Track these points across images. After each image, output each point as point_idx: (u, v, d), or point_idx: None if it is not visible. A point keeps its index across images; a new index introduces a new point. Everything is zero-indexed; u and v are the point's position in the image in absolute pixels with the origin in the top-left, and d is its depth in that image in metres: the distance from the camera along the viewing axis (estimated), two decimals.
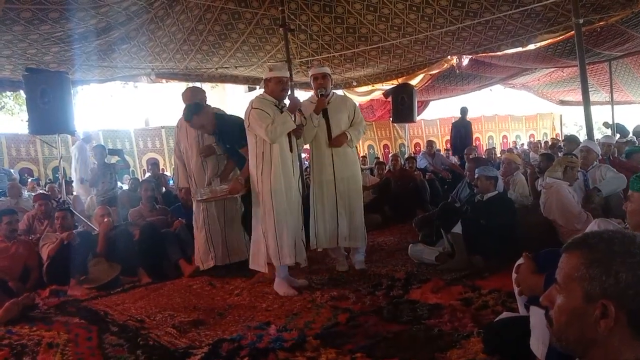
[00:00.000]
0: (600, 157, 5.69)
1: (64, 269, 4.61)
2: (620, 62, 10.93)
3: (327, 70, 4.68)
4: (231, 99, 17.67)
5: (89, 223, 6.10)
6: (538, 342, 1.70)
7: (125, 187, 8.85)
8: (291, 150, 4.17)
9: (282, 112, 4.11)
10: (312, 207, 4.59)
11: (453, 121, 11.37)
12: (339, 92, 10.08)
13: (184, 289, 4.37)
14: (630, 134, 11.47)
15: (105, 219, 5.02)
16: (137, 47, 7.64)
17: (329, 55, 8.74)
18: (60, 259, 4.63)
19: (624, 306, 0.97)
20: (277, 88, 4.15)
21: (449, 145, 15.77)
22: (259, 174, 4.12)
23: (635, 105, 14.97)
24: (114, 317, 3.70)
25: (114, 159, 8.50)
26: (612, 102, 11.71)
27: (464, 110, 10.65)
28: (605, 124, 11.69)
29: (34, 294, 4.30)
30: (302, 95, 11.50)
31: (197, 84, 11.77)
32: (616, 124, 11.23)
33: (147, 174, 9.33)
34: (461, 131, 10.57)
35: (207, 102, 4.86)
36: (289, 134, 4.14)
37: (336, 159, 4.51)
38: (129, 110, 17.03)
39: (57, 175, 9.26)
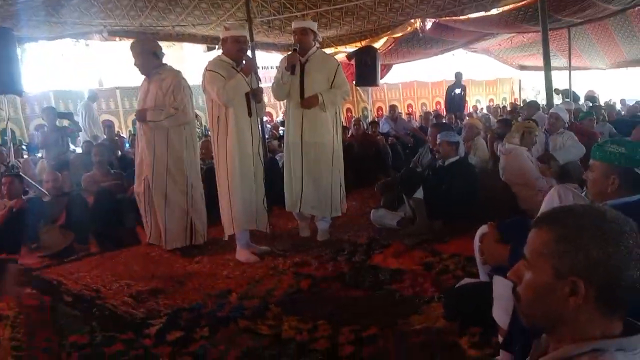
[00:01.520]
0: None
1: (14, 237, 4.41)
2: (579, 29, 11.07)
3: (308, 24, 4.33)
4: (190, 59, 17.11)
5: (40, 188, 5.83)
6: (501, 311, 1.71)
7: (80, 150, 8.52)
8: (250, 115, 4.01)
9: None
10: (284, 168, 4.47)
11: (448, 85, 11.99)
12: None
13: (141, 257, 4.25)
14: (582, 100, 11.76)
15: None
16: (87, 3, 7.19)
17: (290, 15, 8.48)
18: (9, 226, 4.41)
19: (593, 283, 0.95)
20: (233, 48, 3.96)
21: (410, 110, 15.87)
22: (214, 139, 4.02)
23: (591, 71, 15.30)
24: (67, 286, 3.57)
25: (66, 122, 8.14)
26: (569, 68, 11.92)
27: (458, 75, 11.25)
28: (556, 91, 11.91)
29: None
30: (264, 56, 11.25)
31: None
32: (567, 90, 11.49)
33: (101, 137, 9.00)
34: (455, 94, 11.17)
35: (164, 59, 4.38)
36: (247, 98, 3.98)
37: (305, 122, 4.22)
38: (81, 70, 16.23)
39: (5, 138, 8.81)
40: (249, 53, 4.40)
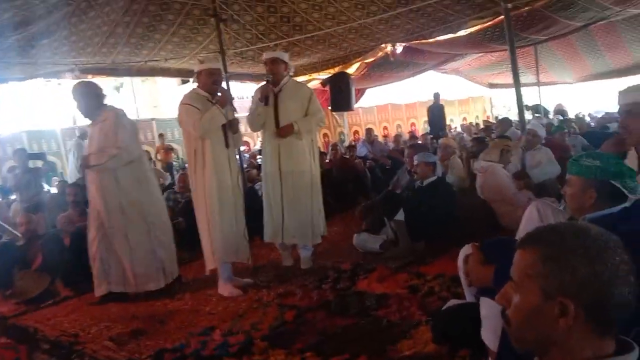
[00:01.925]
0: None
1: None
2: (545, 45, 11.39)
3: (278, 54, 4.38)
4: (164, 93, 17.08)
5: (14, 232, 5.68)
6: (490, 333, 1.69)
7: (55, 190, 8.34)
8: (227, 146, 3.99)
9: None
10: (264, 199, 4.45)
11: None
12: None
13: (120, 297, 4.12)
14: (551, 114, 12.05)
15: None
16: (58, 42, 7.17)
17: (263, 45, 8.55)
18: None
19: (582, 302, 0.93)
20: (208, 81, 3.96)
21: (386, 132, 16.04)
22: (192, 172, 3.99)
23: (559, 86, 15.70)
24: (44, 333, 3.45)
25: (40, 163, 7.99)
26: (538, 84, 12.22)
27: (436, 95, 11.84)
28: (526, 107, 12.20)
29: None
30: (238, 87, 11.31)
31: (127, 79, 11.21)
32: (536, 105, 11.77)
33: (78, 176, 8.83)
34: (435, 113, 11.76)
35: (105, 101, 4.13)
36: (224, 129, 3.96)
37: (282, 151, 4.23)
38: (54, 109, 16.06)
39: None
40: (223, 84, 4.40)
